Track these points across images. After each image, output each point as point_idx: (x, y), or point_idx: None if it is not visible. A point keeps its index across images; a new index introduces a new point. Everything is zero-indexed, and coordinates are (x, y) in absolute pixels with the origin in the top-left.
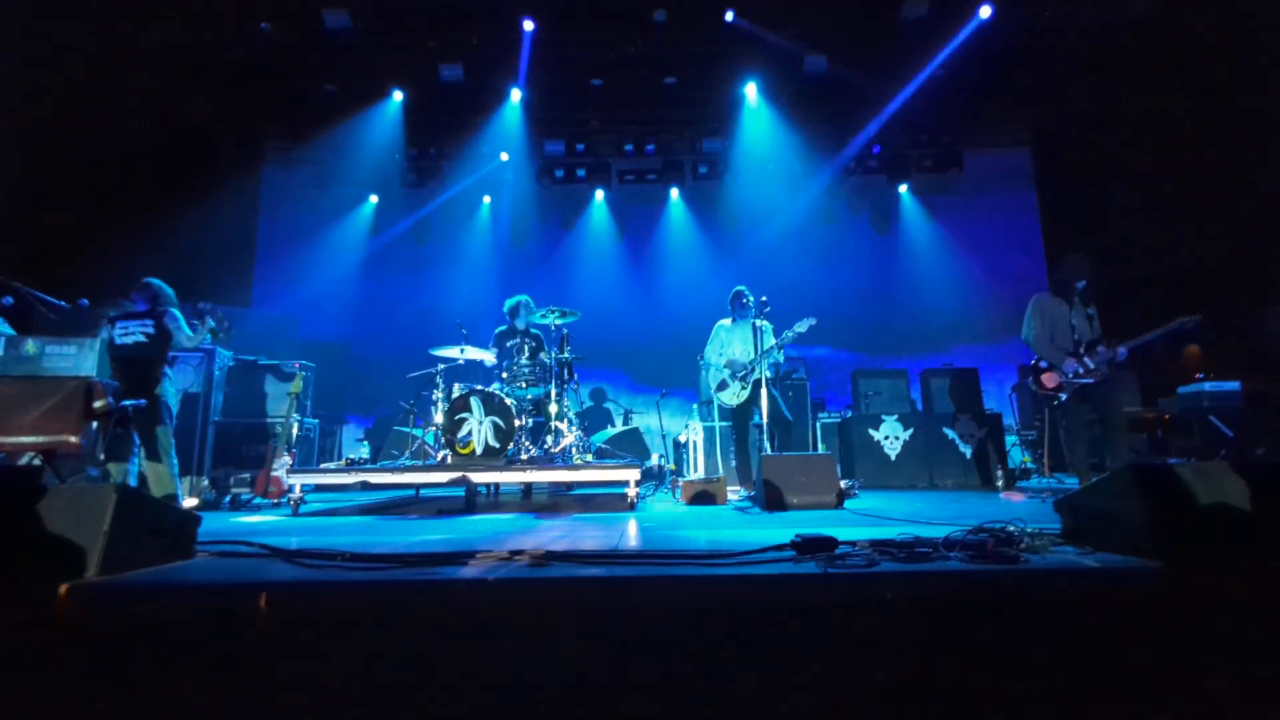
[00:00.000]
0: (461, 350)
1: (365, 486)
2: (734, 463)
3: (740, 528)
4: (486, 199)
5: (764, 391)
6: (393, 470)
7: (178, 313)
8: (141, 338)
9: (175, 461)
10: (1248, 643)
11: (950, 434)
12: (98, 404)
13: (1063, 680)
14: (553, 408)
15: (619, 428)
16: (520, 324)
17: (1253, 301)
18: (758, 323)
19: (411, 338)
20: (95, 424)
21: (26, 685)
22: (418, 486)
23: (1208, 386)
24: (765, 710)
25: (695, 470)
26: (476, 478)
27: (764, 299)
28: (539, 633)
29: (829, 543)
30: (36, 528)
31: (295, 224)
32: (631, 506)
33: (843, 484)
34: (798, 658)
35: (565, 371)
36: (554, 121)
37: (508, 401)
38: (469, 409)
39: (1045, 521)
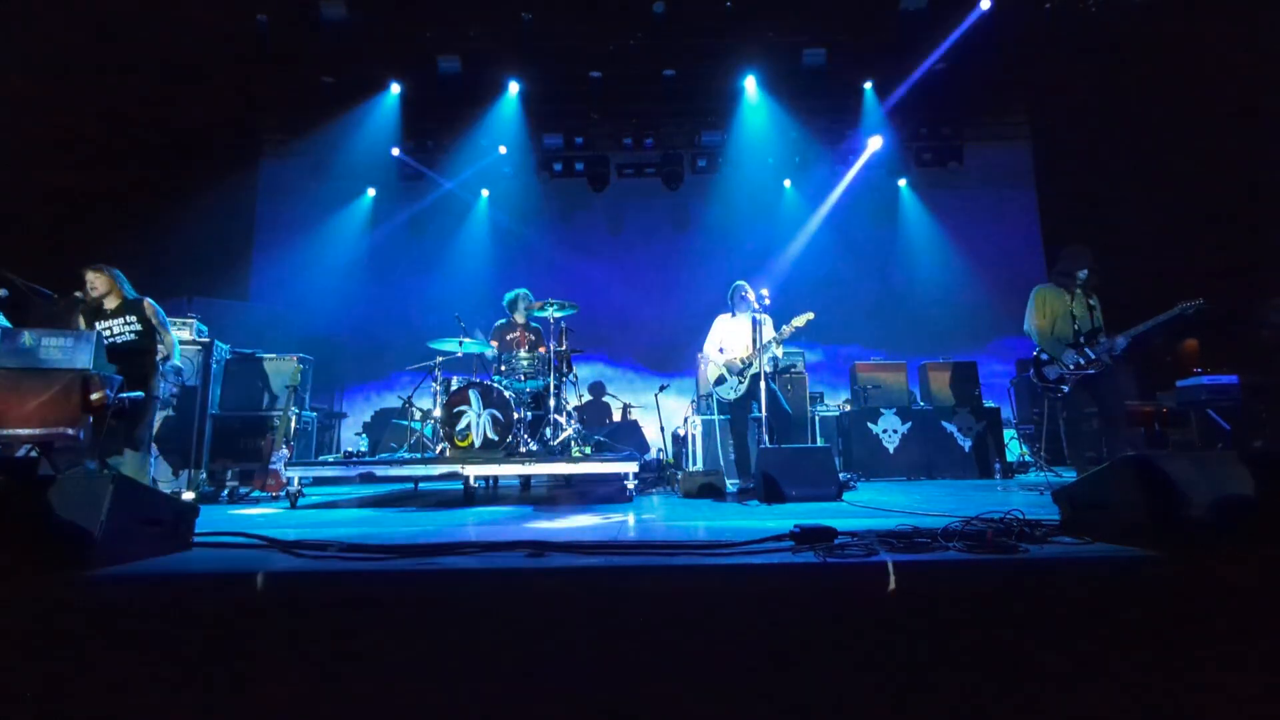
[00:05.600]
0: (460, 343)
1: (363, 479)
2: (733, 455)
3: (739, 519)
4: (485, 192)
5: (763, 385)
6: (391, 463)
7: (153, 302)
8: (131, 335)
9: (152, 452)
10: (1249, 633)
11: (949, 427)
12: (95, 396)
13: (1061, 669)
14: (551, 401)
15: (618, 420)
16: (519, 317)
17: (1251, 295)
18: (757, 316)
19: (410, 331)
20: (92, 417)
21: (24, 676)
22: (416, 479)
23: (1206, 380)
24: (765, 699)
25: (694, 463)
26: (475, 471)
27: (764, 292)
28: (537, 623)
29: (828, 533)
30: (33, 519)
31: (293, 217)
32: (630, 499)
33: (841, 476)
34: (797, 647)
35: (564, 364)
36: (552, 114)
37: (506, 394)
38: (467, 402)
39: (1043, 513)
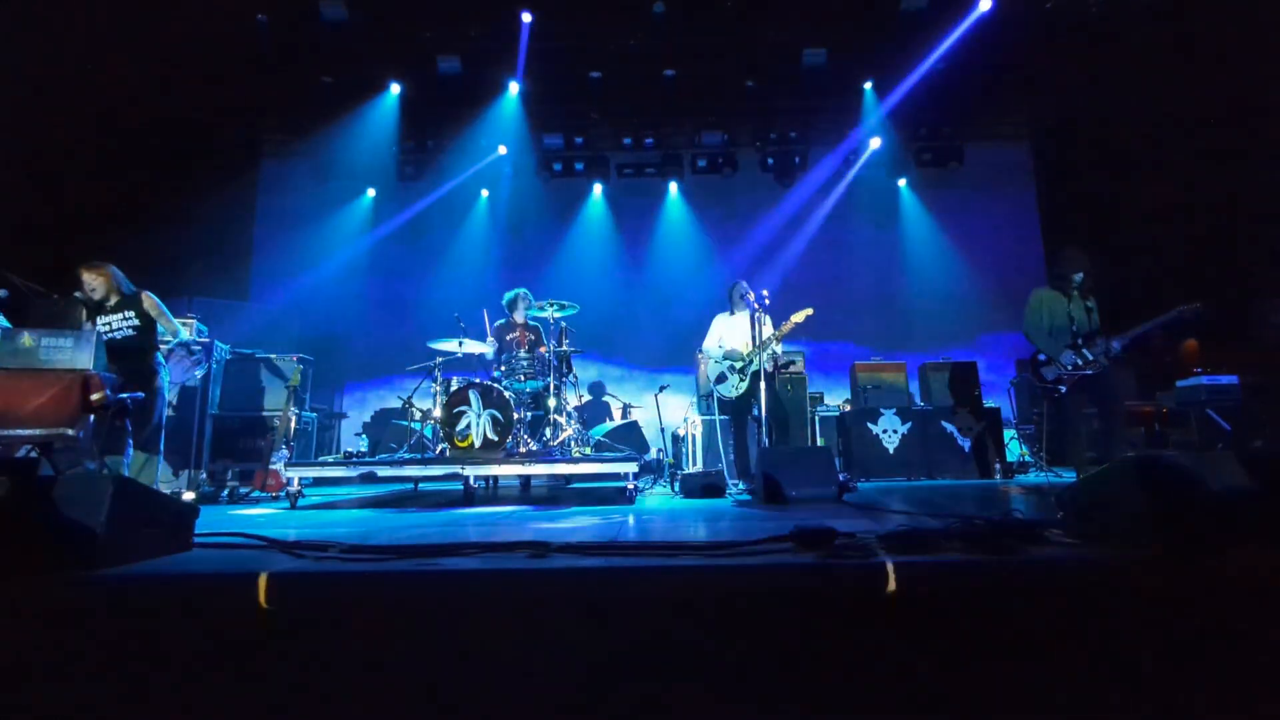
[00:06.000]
0: (460, 343)
1: (363, 480)
2: (732, 456)
3: (738, 520)
4: (485, 192)
5: (762, 384)
6: (391, 463)
7: (152, 295)
8: (130, 331)
9: (161, 453)
10: (1249, 633)
11: (948, 427)
12: (95, 396)
13: (1061, 669)
14: (551, 401)
15: (617, 421)
16: (519, 317)
17: (1251, 294)
18: (756, 315)
19: (410, 331)
20: (93, 417)
21: (24, 677)
22: (416, 480)
23: (1205, 380)
24: (765, 700)
25: (694, 463)
26: (475, 471)
27: (763, 292)
28: (538, 623)
29: (827, 534)
30: (33, 520)
31: (292, 217)
32: (630, 499)
33: (841, 476)
34: (797, 648)
35: (564, 365)
36: (552, 114)
37: (506, 395)
38: (467, 402)
39: (1044, 513)
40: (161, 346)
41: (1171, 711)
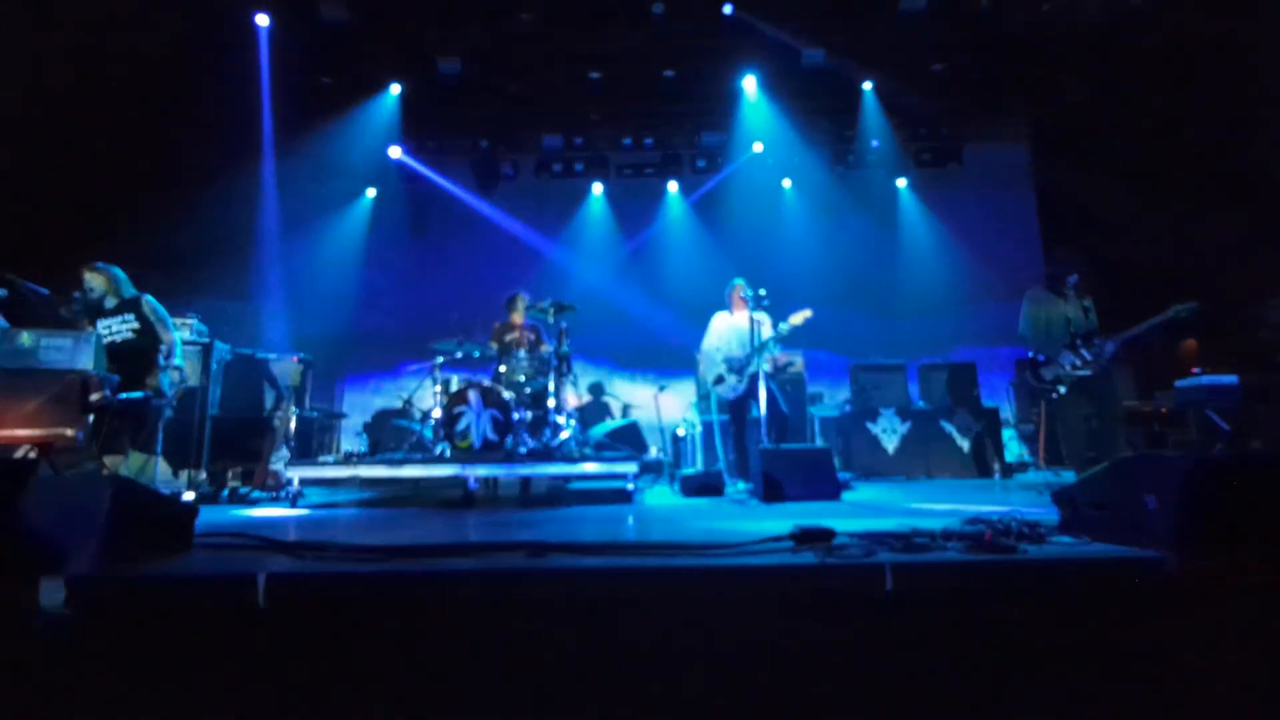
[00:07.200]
0: (459, 343)
1: (363, 480)
2: (732, 455)
3: (738, 520)
4: (485, 193)
5: (761, 385)
6: (391, 464)
7: (151, 299)
8: (130, 334)
9: (159, 453)
10: (1248, 633)
11: (948, 427)
12: (94, 397)
13: (1060, 669)
14: (551, 401)
15: (617, 421)
16: (518, 317)
17: (1251, 294)
18: (755, 315)
19: (409, 331)
20: (91, 417)
21: (24, 677)
22: (416, 480)
23: (1205, 380)
24: (764, 699)
25: (693, 463)
26: (474, 472)
27: (761, 292)
28: (537, 623)
29: (827, 533)
30: (33, 520)
31: (292, 217)
32: (630, 499)
33: (840, 476)
34: (796, 647)
35: (563, 365)
36: (552, 115)
37: (506, 395)
38: (467, 402)
39: (1042, 513)
40: (161, 348)
41: (1170, 711)
